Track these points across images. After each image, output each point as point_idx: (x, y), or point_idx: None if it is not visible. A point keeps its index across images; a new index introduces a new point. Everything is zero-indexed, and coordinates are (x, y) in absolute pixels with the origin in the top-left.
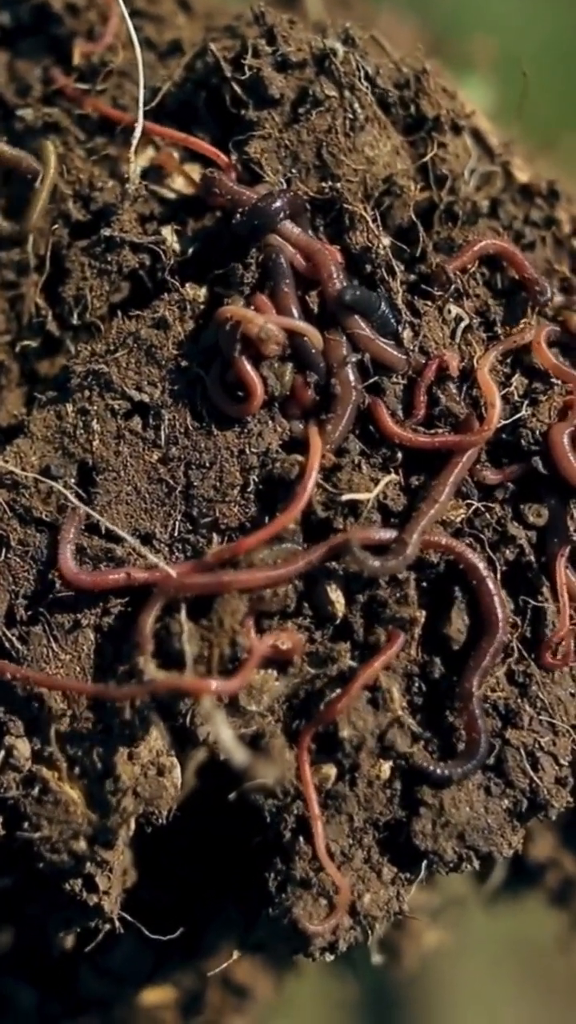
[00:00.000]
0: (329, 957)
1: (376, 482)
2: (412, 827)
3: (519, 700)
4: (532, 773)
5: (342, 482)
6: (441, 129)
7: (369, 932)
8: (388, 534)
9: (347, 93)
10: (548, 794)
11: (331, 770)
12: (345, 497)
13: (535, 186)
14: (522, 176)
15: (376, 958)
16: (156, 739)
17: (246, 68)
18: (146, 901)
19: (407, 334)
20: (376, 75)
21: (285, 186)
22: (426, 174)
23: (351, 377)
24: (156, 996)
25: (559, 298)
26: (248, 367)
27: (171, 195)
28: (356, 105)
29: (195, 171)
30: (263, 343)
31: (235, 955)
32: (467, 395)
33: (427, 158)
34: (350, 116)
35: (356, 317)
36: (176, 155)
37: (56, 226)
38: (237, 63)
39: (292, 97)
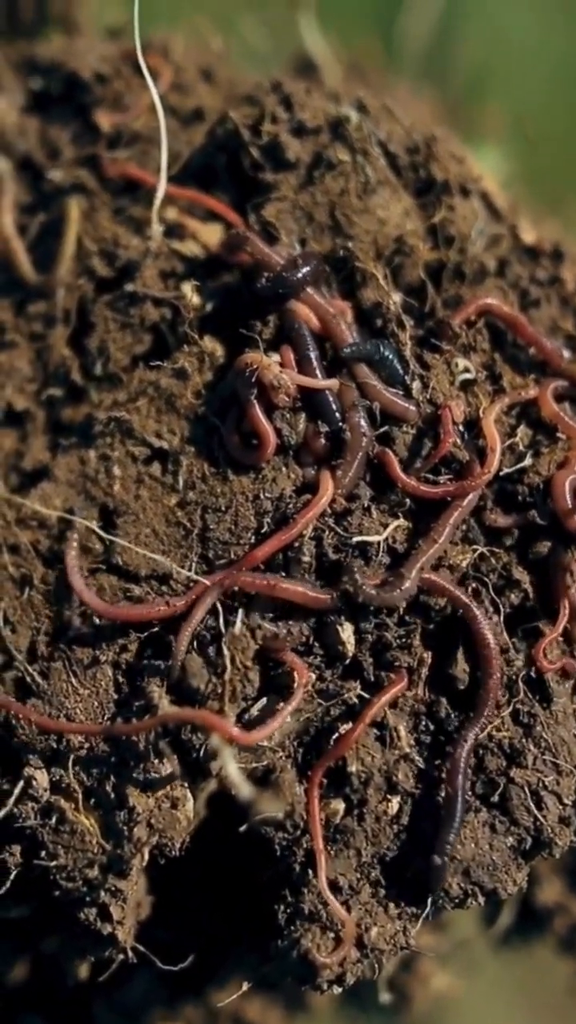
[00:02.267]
0: (337, 990)
1: (386, 526)
2: (418, 862)
3: (524, 740)
4: (536, 811)
5: (352, 526)
6: (450, 192)
7: (376, 966)
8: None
9: (360, 158)
10: (552, 832)
11: (339, 805)
12: (356, 539)
13: (541, 247)
14: (528, 237)
15: (384, 997)
16: (170, 772)
17: (264, 134)
18: (160, 939)
19: (416, 385)
20: (388, 141)
21: (302, 250)
22: (435, 235)
23: (362, 424)
24: None
25: (568, 353)
26: (261, 416)
27: (192, 254)
28: (368, 169)
29: (215, 231)
30: (275, 391)
31: (245, 986)
32: (473, 444)
33: (436, 219)
34: (363, 179)
35: (366, 369)
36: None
37: (82, 281)
38: (255, 129)
39: (307, 161)
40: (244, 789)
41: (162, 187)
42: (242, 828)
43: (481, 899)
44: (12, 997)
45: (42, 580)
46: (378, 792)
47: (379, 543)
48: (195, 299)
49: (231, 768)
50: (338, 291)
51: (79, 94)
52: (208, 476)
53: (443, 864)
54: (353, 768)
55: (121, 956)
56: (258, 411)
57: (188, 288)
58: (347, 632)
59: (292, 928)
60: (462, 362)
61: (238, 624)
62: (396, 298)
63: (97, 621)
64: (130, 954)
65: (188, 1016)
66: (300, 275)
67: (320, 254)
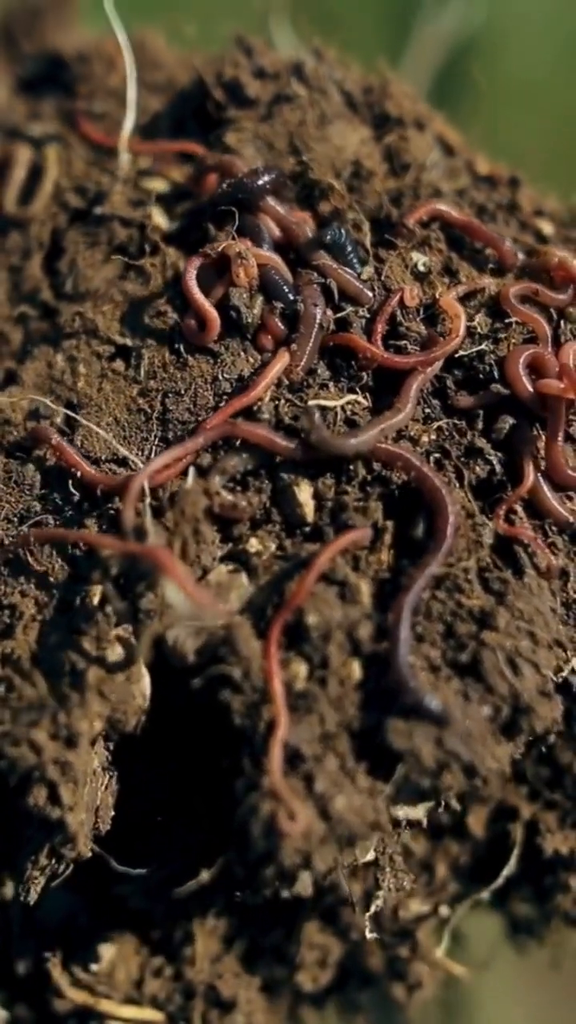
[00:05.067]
0: (305, 876)
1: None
2: (386, 726)
3: (495, 606)
4: (512, 677)
5: (310, 396)
6: (404, 125)
7: (345, 841)
8: None
9: (316, 94)
10: (530, 700)
11: (300, 667)
12: (312, 402)
13: (497, 175)
14: (483, 169)
15: (370, 934)
16: (124, 645)
17: (226, 75)
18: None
19: (369, 271)
20: (343, 81)
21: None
22: (392, 162)
23: (315, 298)
24: (138, 1014)
25: (521, 256)
26: (199, 296)
27: (160, 189)
28: (324, 104)
29: (183, 172)
30: (238, 263)
31: (204, 875)
32: (432, 328)
33: (390, 141)
34: (319, 112)
35: (324, 253)
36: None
37: (55, 210)
38: (219, 76)
39: (267, 99)
40: (183, 606)
41: (132, 105)
42: (196, 681)
43: (460, 775)
44: None
45: (4, 468)
46: (340, 651)
47: (336, 409)
48: (161, 220)
49: (170, 589)
50: (298, 207)
51: (62, 72)
52: (168, 364)
53: (403, 680)
54: (311, 620)
55: (74, 854)
56: (195, 288)
57: (154, 210)
58: (305, 494)
59: (251, 796)
60: (417, 255)
61: (189, 480)
62: (354, 207)
63: (57, 502)
64: (84, 850)
65: (157, 989)
66: (261, 181)
67: (281, 168)
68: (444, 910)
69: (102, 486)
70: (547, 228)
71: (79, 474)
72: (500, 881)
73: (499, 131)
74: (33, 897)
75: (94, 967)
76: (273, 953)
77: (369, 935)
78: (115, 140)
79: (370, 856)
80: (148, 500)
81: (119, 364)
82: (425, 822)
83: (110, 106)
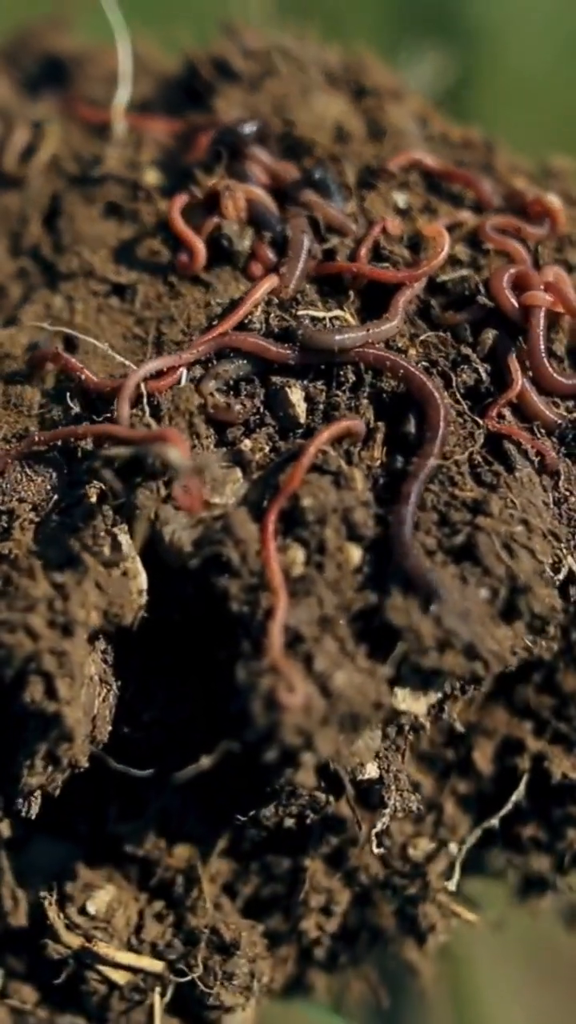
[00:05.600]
0: (308, 760)
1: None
2: (385, 604)
3: (488, 495)
4: (508, 559)
5: (298, 309)
6: (381, 96)
7: (348, 721)
8: None
9: (298, 70)
10: (528, 580)
11: (298, 552)
12: (301, 312)
13: (471, 140)
14: (457, 135)
15: (377, 849)
16: (121, 542)
17: (214, 54)
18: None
19: (353, 206)
20: (325, 61)
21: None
22: (371, 129)
23: (302, 225)
24: (136, 961)
25: (497, 200)
26: (183, 225)
27: (152, 156)
28: (306, 78)
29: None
30: (226, 195)
31: (205, 761)
32: (414, 257)
33: (369, 107)
34: (301, 85)
35: (310, 191)
36: None
37: (54, 177)
38: (207, 57)
39: (252, 75)
40: (184, 464)
41: (126, 81)
42: (193, 562)
43: (462, 656)
44: None
45: (3, 394)
46: (336, 535)
47: (326, 320)
48: (153, 177)
49: (173, 454)
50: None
51: (60, 71)
52: (163, 295)
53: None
54: (307, 503)
55: (71, 754)
56: (179, 219)
57: (148, 169)
58: (296, 395)
59: (250, 673)
60: (397, 195)
61: (183, 379)
62: (337, 157)
63: (55, 419)
64: (82, 757)
65: (157, 935)
66: (247, 129)
67: (266, 121)
68: (453, 848)
69: (105, 388)
70: (521, 184)
71: (83, 377)
72: (509, 806)
73: (499, 131)
74: (35, 811)
75: (91, 910)
76: (277, 901)
77: (376, 850)
78: (109, 115)
79: (374, 772)
80: (145, 399)
81: (115, 300)
82: (428, 724)
83: (104, 92)
